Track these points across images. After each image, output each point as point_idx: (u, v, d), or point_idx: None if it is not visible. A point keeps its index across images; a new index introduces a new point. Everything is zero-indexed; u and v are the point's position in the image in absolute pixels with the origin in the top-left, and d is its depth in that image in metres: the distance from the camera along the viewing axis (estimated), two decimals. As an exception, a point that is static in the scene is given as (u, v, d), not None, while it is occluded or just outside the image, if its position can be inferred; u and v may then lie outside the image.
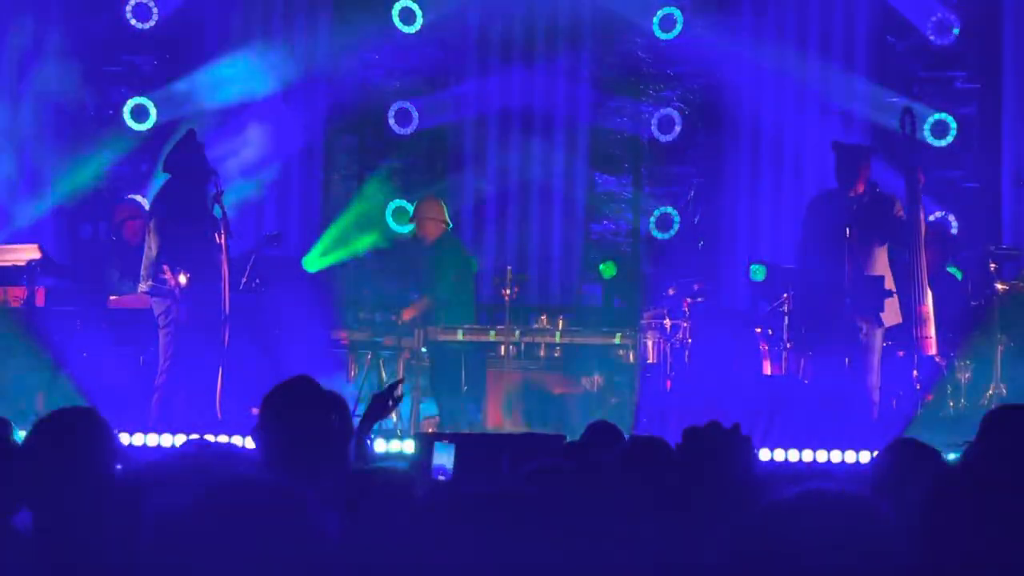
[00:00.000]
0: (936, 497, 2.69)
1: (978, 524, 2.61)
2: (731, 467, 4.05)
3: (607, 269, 15.06)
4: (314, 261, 14.74)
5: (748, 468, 4.17)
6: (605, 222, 15.61)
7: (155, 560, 2.73)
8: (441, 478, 7.03)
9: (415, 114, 15.46)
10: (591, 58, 15.53)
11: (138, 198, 14.56)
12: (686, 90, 15.53)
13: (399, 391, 6.82)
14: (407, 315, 13.46)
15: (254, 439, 5.40)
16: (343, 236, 15.10)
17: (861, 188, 11.87)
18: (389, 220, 15.38)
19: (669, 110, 15.40)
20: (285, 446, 5.17)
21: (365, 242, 15.16)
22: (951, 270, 13.52)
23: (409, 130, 15.49)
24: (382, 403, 6.70)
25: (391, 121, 15.48)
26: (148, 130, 15.12)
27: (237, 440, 9.77)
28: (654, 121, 15.40)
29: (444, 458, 7.11)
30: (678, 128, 15.38)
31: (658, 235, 15.40)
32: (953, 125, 14.92)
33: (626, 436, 7.57)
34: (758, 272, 14.47)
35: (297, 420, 5.33)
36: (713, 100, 15.53)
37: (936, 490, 2.71)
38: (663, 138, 15.42)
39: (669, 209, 15.39)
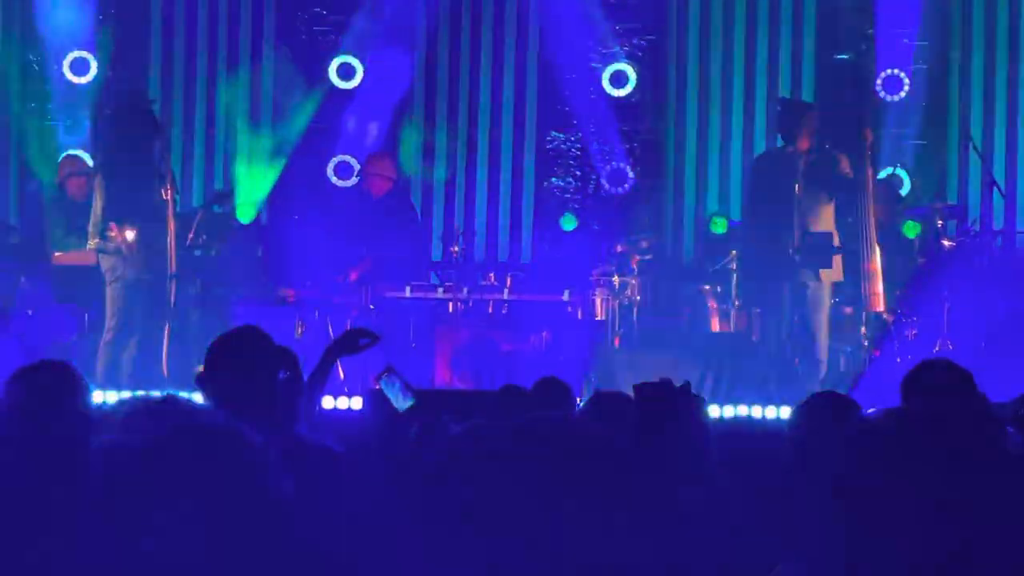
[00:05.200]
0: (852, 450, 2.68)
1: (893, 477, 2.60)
2: (685, 425, 4.05)
3: (567, 222, 14.97)
4: (244, 211, 14.57)
5: (701, 426, 4.17)
6: (554, 179, 15.55)
7: (98, 495, 2.68)
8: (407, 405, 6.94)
9: (359, 68, 15.27)
10: (540, 14, 15.41)
11: (80, 153, 14.39)
12: (634, 47, 15.46)
13: (373, 339, 6.67)
14: (354, 275, 13.39)
15: (199, 389, 5.30)
16: (248, 175, 14.90)
17: (806, 144, 11.88)
18: (329, 174, 15.22)
19: (622, 65, 15.29)
20: (230, 396, 5.05)
21: (271, 176, 14.93)
22: (906, 227, 13.50)
23: (352, 84, 15.29)
24: (352, 338, 6.59)
25: (332, 75, 15.27)
26: (89, 83, 14.91)
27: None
28: (606, 76, 15.29)
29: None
30: (632, 83, 15.26)
31: (609, 191, 15.33)
32: (906, 80, 14.89)
33: (575, 394, 7.58)
34: (719, 225, 14.39)
35: (244, 369, 5.22)
36: (661, 56, 15.46)
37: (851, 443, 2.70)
38: (615, 93, 15.31)
39: (621, 164, 15.32)
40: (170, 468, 2.65)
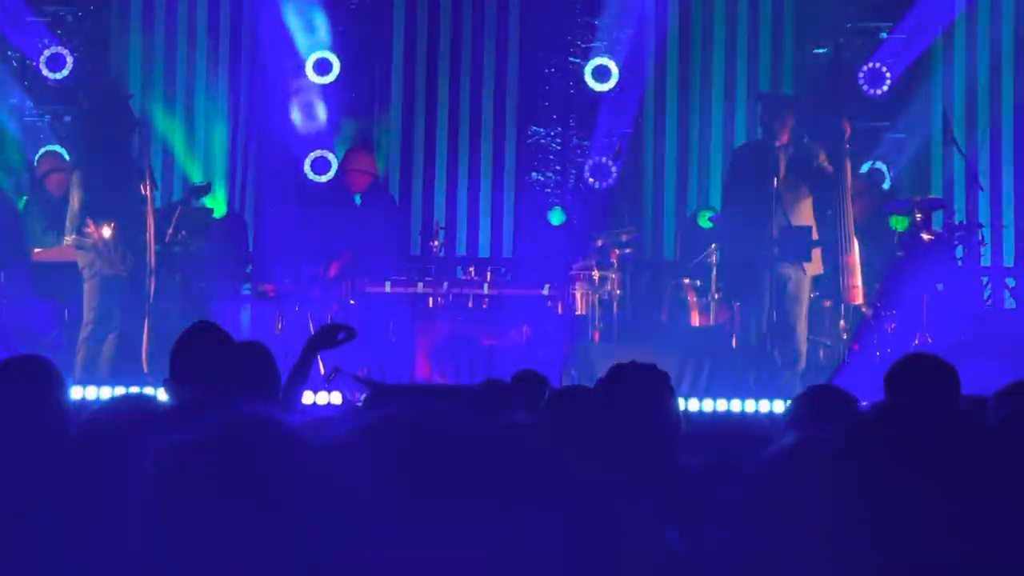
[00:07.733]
0: (848, 444, 2.67)
1: (887, 471, 2.59)
2: (650, 402, 4.06)
3: (555, 216, 14.94)
4: (216, 205, 14.54)
5: (666, 403, 4.17)
6: (534, 173, 15.54)
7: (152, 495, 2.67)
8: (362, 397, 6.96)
9: (335, 64, 15.21)
10: (519, 9, 15.41)
11: (59, 149, 14.35)
12: (612, 41, 15.44)
13: (351, 333, 6.68)
14: (333, 270, 13.38)
15: (167, 391, 5.29)
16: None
17: (785, 138, 11.89)
18: (306, 170, 15.17)
19: (604, 59, 15.26)
20: (197, 392, 5.06)
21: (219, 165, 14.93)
22: (894, 220, 13.47)
23: (328, 79, 15.24)
24: (331, 333, 6.57)
25: (309, 70, 15.21)
26: (64, 79, 14.83)
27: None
28: (588, 70, 15.26)
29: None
30: (614, 77, 15.23)
31: (591, 185, 15.30)
32: (888, 74, 14.87)
33: (555, 386, 7.58)
34: (706, 218, 14.36)
35: (208, 365, 5.23)
36: (640, 50, 15.45)
37: (848, 437, 2.69)
38: (598, 87, 15.28)
39: (603, 159, 15.29)
40: (228, 463, 2.65)
